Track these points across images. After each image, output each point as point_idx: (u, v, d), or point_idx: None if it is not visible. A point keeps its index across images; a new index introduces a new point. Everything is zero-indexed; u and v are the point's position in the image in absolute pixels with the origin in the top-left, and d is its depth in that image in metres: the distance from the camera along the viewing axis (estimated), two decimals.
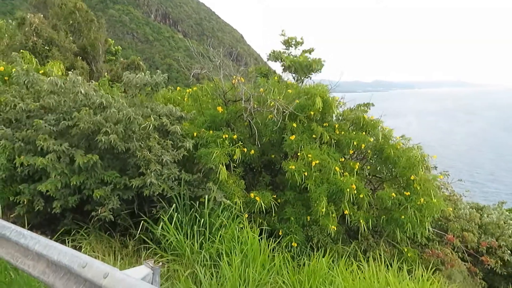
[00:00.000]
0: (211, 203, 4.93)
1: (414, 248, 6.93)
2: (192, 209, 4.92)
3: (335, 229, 5.34)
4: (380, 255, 5.17)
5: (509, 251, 8.29)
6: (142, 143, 4.97)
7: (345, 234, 6.31)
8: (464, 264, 7.46)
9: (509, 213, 10.76)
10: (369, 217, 5.94)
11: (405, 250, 6.08)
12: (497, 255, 8.18)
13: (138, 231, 4.68)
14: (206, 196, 4.93)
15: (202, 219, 4.77)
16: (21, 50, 8.79)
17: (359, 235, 6.11)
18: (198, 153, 5.45)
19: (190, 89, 6.83)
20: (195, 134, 5.70)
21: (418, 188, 5.81)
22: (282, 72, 8.75)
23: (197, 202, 5.02)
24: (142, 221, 4.74)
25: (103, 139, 4.53)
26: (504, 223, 8.99)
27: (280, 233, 5.60)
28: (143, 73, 6.03)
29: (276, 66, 9.49)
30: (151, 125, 5.10)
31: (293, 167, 5.36)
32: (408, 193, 5.80)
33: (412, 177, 5.93)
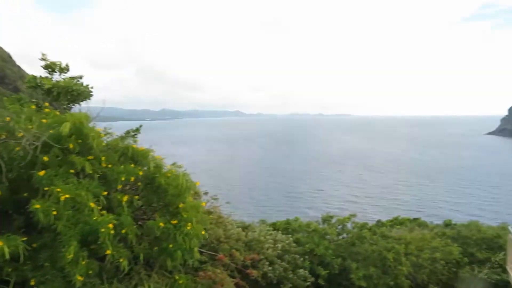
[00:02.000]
0: None
1: (188, 272, 7.17)
2: None
3: (82, 279, 4.88)
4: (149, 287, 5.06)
5: (268, 263, 9.63)
6: None
7: (116, 272, 5.95)
8: (232, 280, 8.19)
9: (269, 227, 12.58)
10: (140, 251, 5.79)
11: (177, 277, 6.17)
12: (259, 267, 9.36)
13: None
14: None
15: None
16: None
17: (131, 271, 5.88)
18: None
19: None
20: None
21: (185, 215, 6.00)
22: (44, 99, 7.73)
23: None
24: None
25: None
26: (264, 238, 10.41)
27: (32, 283, 4.81)
28: None
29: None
30: None
31: (38, 206, 4.71)
32: (176, 221, 5.92)
33: (180, 205, 6.12)
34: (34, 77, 7.71)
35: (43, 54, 8.18)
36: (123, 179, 5.61)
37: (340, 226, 12.81)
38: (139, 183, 6.23)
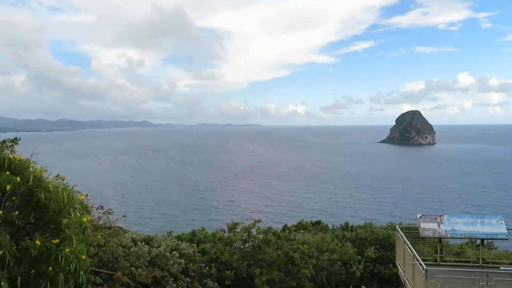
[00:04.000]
0: None
1: None
2: None
3: None
4: None
5: (172, 279, 9.21)
6: None
7: None
8: None
9: (175, 239, 12.16)
10: (18, 274, 5.08)
11: None
12: (163, 284, 8.90)
13: None
14: None
15: None
16: None
17: None
18: None
19: None
20: None
21: (68, 232, 5.39)
22: None
23: None
24: None
25: None
26: (170, 252, 9.97)
27: None
28: None
29: None
30: None
31: None
32: (57, 240, 5.29)
33: (64, 221, 5.51)
34: None
35: None
36: None
37: (245, 234, 12.91)
38: (14, 198, 5.49)
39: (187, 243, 11.53)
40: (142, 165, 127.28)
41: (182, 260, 10.06)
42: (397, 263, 13.25)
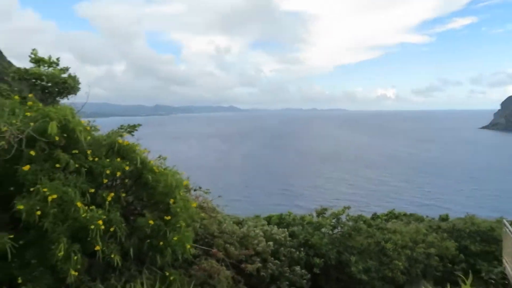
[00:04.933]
0: None
1: (181, 267, 7.07)
2: None
3: (76, 274, 4.78)
4: (143, 283, 4.97)
5: (259, 259, 9.55)
6: None
7: (106, 268, 5.84)
8: (230, 272, 8.13)
9: (266, 221, 12.50)
10: (130, 246, 5.66)
11: (168, 273, 6.05)
12: (252, 264, 9.29)
13: None
14: None
15: None
16: None
17: (121, 267, 5.75)
18: None
19: None
20: None
21: (178, 210, 5.87)
22: (31, 90, 7.57)
23: None
24: None
25: None
26: (254, 233, 10.32)
27: (19, 281, 4.67)
28: None
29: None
30: None
31: (21, 207, 4.58)
32: (169, 217, 5.80)
33: (171, 201, 5.98)
34: (19, 69, 7.53)
35: (33, 50, 8.02)
36: (108, 172, 5.45)
37: (334, 219, 12.75)
38: (126, 180, 6.08)
39: (278, 228, 11.77)
40: (229, 148, 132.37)
41: (271, 243, 10.31)
42: (503, 261, 12.04)
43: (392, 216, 19.17)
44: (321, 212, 13.26)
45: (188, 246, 6.06)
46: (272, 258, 10.33)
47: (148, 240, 5.77)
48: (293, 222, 12.99)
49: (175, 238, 5.71)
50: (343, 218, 12.84)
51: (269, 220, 13.90)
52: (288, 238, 11.59)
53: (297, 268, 10.66)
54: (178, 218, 5.90)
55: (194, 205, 6.49)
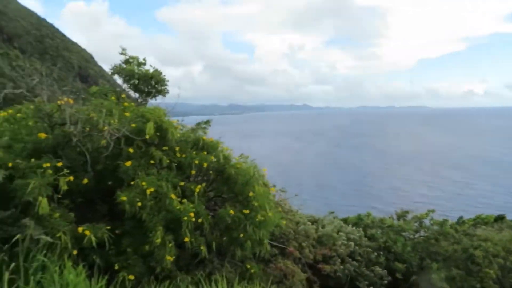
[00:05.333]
0: (27, 242, 4.24)
1: (259, 263, 7.23)
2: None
3: (172, 259, 5.15)
4: (224, 276, 5.20)
5: (339, 260, 9.38)
6: None
7: (191, 260, 6.20)
8: (305, 274, 8.11)
9: (343, 222, 12.25)
10: (212, 239, 5.95)
11: (249, 267, 6.25)
12: (330, 263, 9.16)
13: None
14: (19, 235, 4.22)
15: (12, 264, 4.03)
16: None
17: (205, 259, 6.06)
18: (12, 185, 4.69)
19: (5, 112, 5.91)
20: (10, 164, 4.90)
21: (256, 204, 6.04)
22: (124, 86, 8.33)
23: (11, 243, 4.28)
24: None
25: None
26: (337, 233, 10.14)
27: (116, 268, 5.16)
28: None
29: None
30: None
31: (125, 198, 5.04)
32: (248, 210, 5.99)
33: (250, 194, 6.16)
34: (116, 66, 8.32)
35: (123, 49, 8.75)
36: (197, 162, 5.83)
37: (417, 223, 12.08)
38: (211, 172, 6.39)
39: (353, 227, 11.49)
40: (302, 147, 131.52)
41: (352, 243, 10.09)
42: None
43: (479, 221, 17.62)
44: (402, 215, 12.67)
45: (266, 243, 6.22)
46: (350, 260, 10.13)
47: (229, 233, 6.03)
48: (371, 224, 12.58)
49: (254, 232, 5.87)
50: (426, 222, 12.12)
51: (345, 221, 13.62)
52: (364, 238, 11.27)
53: (377, 268, 10.33)
54: (257, 211, 6.07)
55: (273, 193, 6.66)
